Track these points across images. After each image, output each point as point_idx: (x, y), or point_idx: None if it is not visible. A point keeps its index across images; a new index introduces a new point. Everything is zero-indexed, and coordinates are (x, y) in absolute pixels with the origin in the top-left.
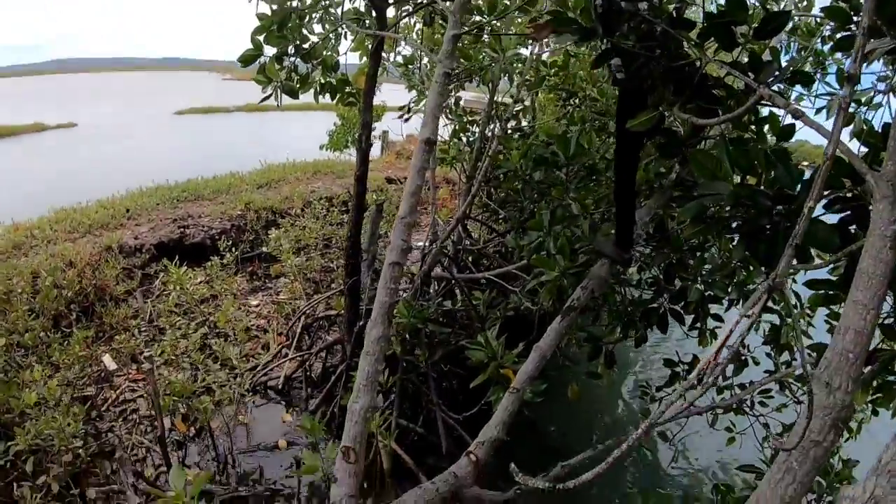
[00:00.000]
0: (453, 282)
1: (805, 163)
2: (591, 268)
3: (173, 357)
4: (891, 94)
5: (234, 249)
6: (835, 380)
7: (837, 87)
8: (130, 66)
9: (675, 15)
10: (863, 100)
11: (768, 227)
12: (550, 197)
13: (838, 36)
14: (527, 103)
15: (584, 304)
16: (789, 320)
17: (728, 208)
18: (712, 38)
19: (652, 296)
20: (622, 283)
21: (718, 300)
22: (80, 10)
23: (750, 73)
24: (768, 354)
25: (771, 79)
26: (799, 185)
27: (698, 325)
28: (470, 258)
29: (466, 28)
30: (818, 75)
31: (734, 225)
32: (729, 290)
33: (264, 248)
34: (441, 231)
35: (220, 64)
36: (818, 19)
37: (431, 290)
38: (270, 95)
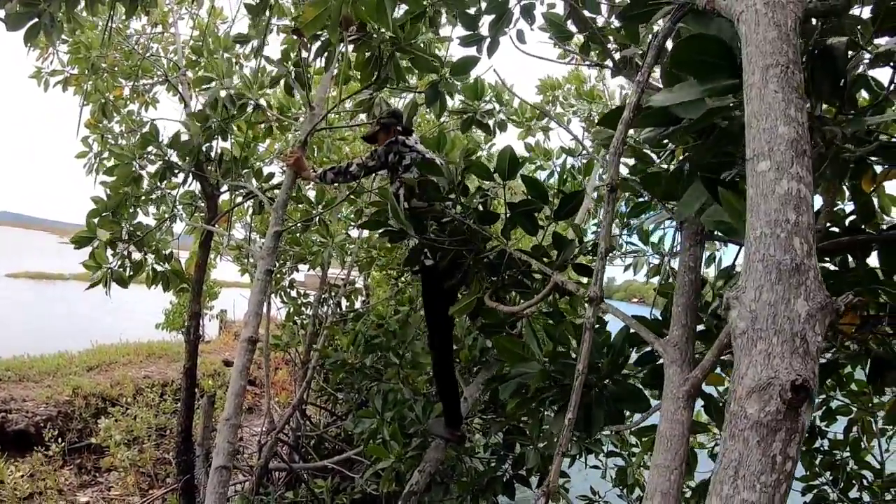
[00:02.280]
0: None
1: (635, 299)
2: (427, 450)
3: None
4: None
5: (60, 439)
6: None
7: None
8: None
9: (481, 209)
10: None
11: (582, 395)
12: (383, 381)
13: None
14: (359, 284)
15: (424, 486)
16: (633, 459)
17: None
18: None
19: (495, 464)
20: (467, 454)
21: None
22: None
23: (554, 253)
24: (620, 496)
25: (573, 255)
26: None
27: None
28: (311, 443)
29: (289, 225)
30: (623, 235)
31: (550, 397)
32: (569, 447)
33: (93, 439)
34: (278, 418)
35: (57, 225)
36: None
37: (274, 481)
38: (99, 282)
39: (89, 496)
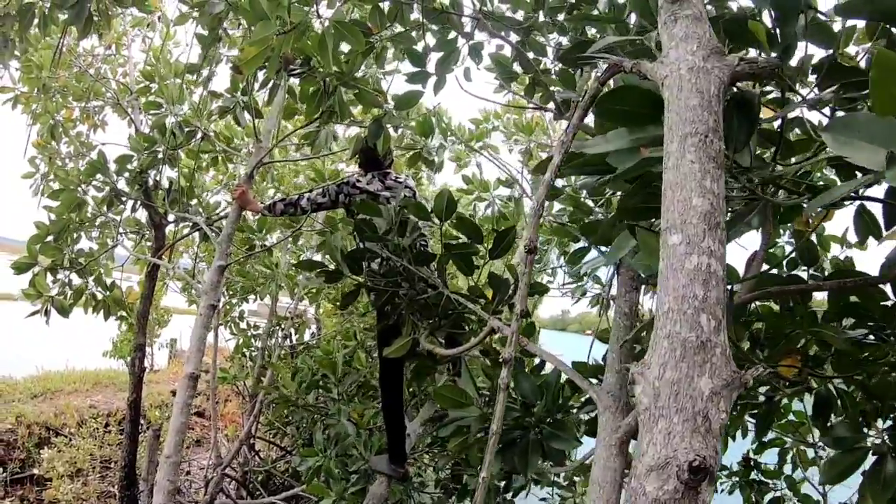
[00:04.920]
0: None
1: (589, 331)
2: (370, 487)
3: None
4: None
5: (2, 469)
6: None
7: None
8: None
9: (415, 251)
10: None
11: (519, 437)
12: (327, 417)
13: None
14: (310, 315)
15: None
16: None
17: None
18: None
19: (441, 497)
20: (415, 489)
21: (507, 490)
22: None
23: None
24: None
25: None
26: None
27: None
28: (259, 478)
29: (233, 259)
30: (563, 267)
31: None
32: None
33: (36, 470)
34: (226, 452)
35: (9, 242)
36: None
37: None
38: (38, 312)
39: None
